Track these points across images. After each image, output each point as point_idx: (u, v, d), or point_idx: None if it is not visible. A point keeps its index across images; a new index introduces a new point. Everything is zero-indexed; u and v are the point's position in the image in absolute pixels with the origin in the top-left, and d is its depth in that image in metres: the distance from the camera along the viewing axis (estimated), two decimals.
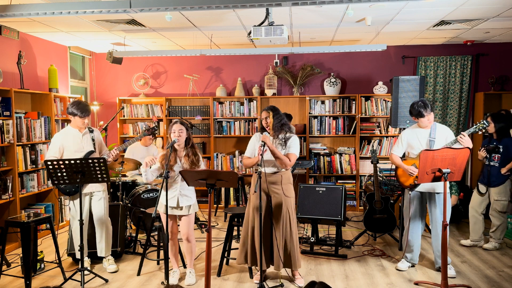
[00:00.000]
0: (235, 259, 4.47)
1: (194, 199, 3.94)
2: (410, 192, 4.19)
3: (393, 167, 5.42)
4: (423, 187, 4.07)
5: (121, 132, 7.24)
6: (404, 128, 5.23)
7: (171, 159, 3.78)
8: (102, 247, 4.32)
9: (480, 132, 4.00)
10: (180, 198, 3.83)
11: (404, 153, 4.31)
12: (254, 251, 3.84)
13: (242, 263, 3.95)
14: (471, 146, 3.83)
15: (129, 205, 5.18)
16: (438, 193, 4.02)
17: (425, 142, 4.05)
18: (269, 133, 3.82)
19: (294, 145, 3.80)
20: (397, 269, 4.22)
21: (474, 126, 3.96)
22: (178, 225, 4.00)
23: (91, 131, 4.30)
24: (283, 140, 3.79)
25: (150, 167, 3.79)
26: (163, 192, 3.56)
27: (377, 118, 7.01)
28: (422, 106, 3.96)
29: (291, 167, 3.88)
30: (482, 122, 3.94)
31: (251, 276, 4.06)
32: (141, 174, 5.88)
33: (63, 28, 5.53)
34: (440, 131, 4.06)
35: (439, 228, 4.01)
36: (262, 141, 3.60)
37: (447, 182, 3.69)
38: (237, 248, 4.63)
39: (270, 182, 3.78)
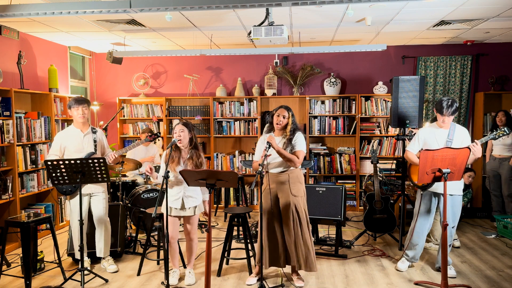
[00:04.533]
0: (235, 259, 4.49)
1: (199, 200, 3.92)
2: (422, 192, 4.13)
3: (393, 166, 5.37)
4: (436, 188, 3.99)
5: (121, 132, 7.24)
6: (408, 128, 5.22)
7: (174, 160, 3.78)
8: (101, 247, 4.31)
9: (500, 139, 3.91)
10: (185, 199, 3.83)
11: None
12: (269, 251, 3.83)
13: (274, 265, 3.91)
14: (480, 155, 3.81)
15: (129, 205, 5.18)
16: (452, 195, 3.94)
17: (443, 142, 3.96)
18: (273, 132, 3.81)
19: (300, 142, 3.76)
20: (397, 269, 4.22)
21: (494, 133, 3.86)
22: (181, 225, 3.99)
23: (94, 132, 4.29)
24: (289, 139, 3.76)
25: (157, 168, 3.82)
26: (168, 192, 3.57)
27: (377, 118, 7.01)
28: (447, 105, 3.87)
29: (300, 165, 3.83)
30: (502, 129, 3.84)
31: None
32: (141, 174, 5.94)
33: (63, 28, 5.53)
34: (458, 133, 3.98)
35: (447, 228, 3.99)
36: (268, 142, 3.58)
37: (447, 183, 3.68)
38: (237, 248, 4.65)
39: (278, 182, 3.76)
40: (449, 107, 3.88)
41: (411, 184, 5.25)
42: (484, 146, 6.37)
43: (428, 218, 4.14)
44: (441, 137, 4.00)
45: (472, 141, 3.83)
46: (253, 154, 6.72)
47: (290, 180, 3.77)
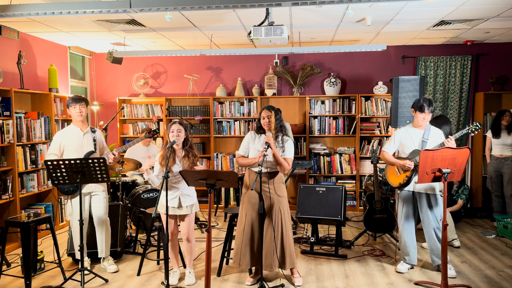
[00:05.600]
0: None
1: (195, 198, 3.95)
2: (399, 192, 4.19)
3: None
4: (413, 187, 4.07)
5: (121, 132, 7.25)
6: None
7: (170, 159, 3.79)
8: (102, 247, 4.32)
9: (472, 134, 4.04)
10: (182, 198, 3.84)
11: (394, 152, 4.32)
12: (251, 252, 3.82)
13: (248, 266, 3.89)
14: None
15: (129, 205, 5.18)
16: (429, 194, 4.02)
17: (418, 142, 4.06)
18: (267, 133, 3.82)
19: (290, 150, 3.82)
20: (397, 271, 4.19)
21: (467, 128, 4.00)
22: (179, 225, 4.00)
23: (93, 131, 4.30)
24: (281, 143, 3.79)
25: (153, 170, 3.82)
26: (163, 192, 3.56)
27: (377, 118, 7.01)
28: (427, 103, 3.97)
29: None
30: (475, 124, 3.98)
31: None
32: (141, 174, 5.93)
33: (63, 28, 5.53)
34: (433, 134, 4.07)
35: (431, 228, 4.02)
36: (267, 142, 3.59)
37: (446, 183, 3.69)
38: None
39: (262, 182, 3.77)
40: (429, 105, 3.98)
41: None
42: (484, 146, 6.38)
43: (412, 218, 4.19)
44: (416, 137, 4.08)
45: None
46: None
47: (275, 181, 3.80)
